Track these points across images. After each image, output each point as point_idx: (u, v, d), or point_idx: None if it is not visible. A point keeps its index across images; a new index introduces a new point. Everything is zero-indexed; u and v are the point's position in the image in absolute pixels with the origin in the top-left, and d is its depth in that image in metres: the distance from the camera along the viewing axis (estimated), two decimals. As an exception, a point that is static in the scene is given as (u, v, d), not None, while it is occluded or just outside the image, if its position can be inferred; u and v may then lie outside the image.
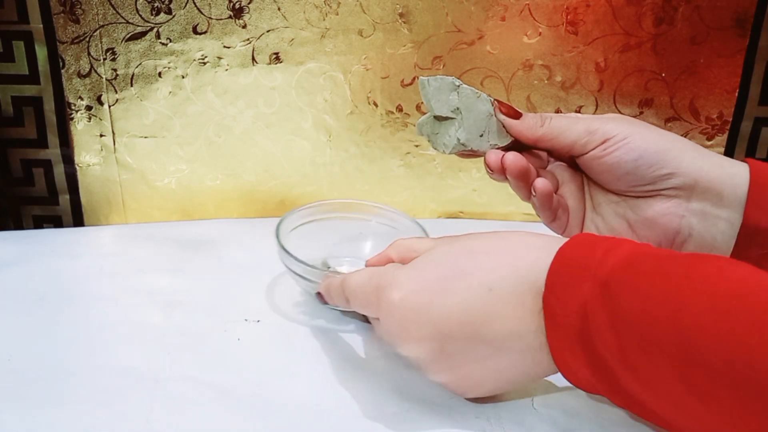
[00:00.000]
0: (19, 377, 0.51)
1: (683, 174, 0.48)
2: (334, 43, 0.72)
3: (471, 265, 0.43)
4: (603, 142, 0.48)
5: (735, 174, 0.48)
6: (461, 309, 0.43)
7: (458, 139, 0.51)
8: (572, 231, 0.53)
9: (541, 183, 0.50)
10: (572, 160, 0.53)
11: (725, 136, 0.75)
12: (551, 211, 0.52)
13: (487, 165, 0.51)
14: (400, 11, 0.71)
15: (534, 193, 0.51)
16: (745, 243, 0.48)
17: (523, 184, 0.51)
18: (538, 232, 0.45)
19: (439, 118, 0.53)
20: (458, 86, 0.51)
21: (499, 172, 0.51)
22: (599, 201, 0.53)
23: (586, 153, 0.49)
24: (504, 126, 0.51)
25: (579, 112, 0.75)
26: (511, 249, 0.43)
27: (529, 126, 0.50)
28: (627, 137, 0.48)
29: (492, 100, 0.52)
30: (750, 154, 0.76)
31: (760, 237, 0.47)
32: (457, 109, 0.51)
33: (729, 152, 0.76)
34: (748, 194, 0.47)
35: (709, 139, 0.75)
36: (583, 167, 0.52)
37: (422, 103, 0.75)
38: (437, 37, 0.72)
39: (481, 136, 0.51)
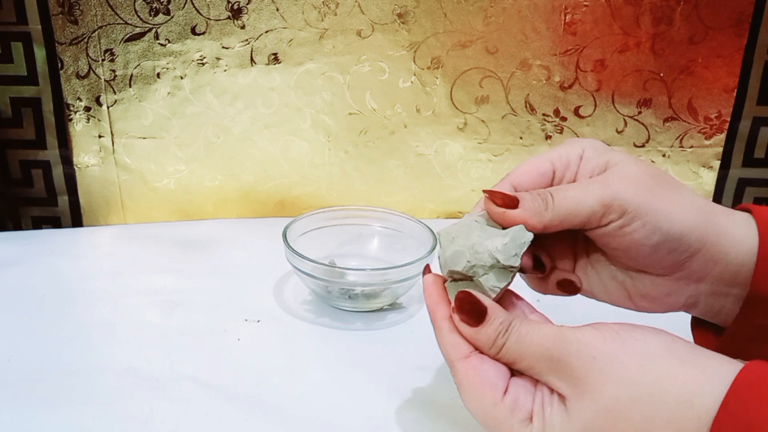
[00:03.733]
0: (19, 377, 0.51)
1: (703, 258, 0.42)
2: (333, 44, 0.72)
3: None
4: (621, 217, 0.40)
5: (752, 248, 0.41)
6: None
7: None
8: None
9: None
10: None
11: (723, 135, 0.75)
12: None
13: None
14: (398, 12, 0.71)
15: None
16: (750, 311, 0.42)
17: None
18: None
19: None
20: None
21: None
22: (598, 258, 0.45)
23: (600, 227, 0.41)
24: (502, 221, 0.42)
25: (577, 111, 0.75)
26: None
27: (532, 212, 0.41)
28: (648, 213, 0.40)
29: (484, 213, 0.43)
30: (748, 153, 0.76)
31: (765, 305, 0.41)
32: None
33: (727, 151, 0.76)
34: (756, 261, 0.41)
35: (707, 139, 0.76)
36: (591, 237, 0.43)
37: (421, 106, 0.75)
38: (436, 38, 0.72)
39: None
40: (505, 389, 0.39)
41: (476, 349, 0.40)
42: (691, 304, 0.44)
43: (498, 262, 0.41)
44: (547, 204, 0.41)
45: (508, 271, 0.41)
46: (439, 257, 0.43)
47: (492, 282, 0.41)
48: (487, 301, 0.40)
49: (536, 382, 0.39)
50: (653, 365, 0.35)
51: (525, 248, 0.41)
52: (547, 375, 0.38)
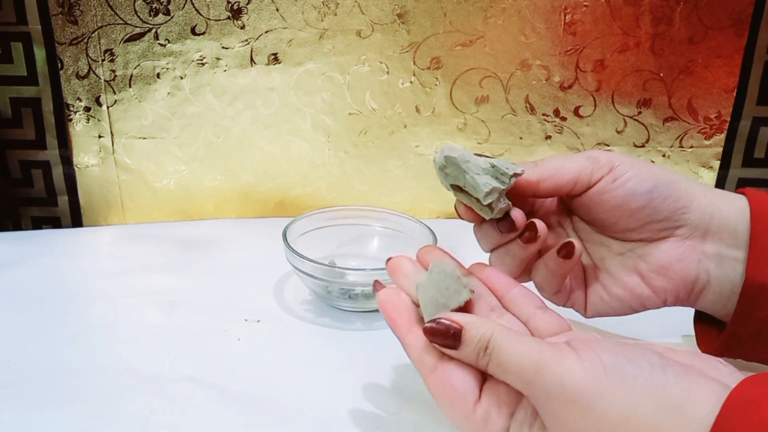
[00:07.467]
0: (19, 377, 0.51)
1: (697, 209, 0.43)
2: (333, 44, 0.72)
3: None
4: (610, 171, 0.43)
5: (745, 209, 0.43)
6: None
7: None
8: (576, 301, 0.48)
9: (540, 226, 0.44)
10: (568, 210, 0.47)
11: (723, 135, 0.75)
12: (561, 277, 0.46)
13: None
14: (398, 12, 0.71)
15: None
16: (748, 304, 0.43)
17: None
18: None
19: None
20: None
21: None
22: (601, 256, 0.47)
23: (594, 185, 0.44)
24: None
25: (577, 111, 0.75)
26: None
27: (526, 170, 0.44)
28: (633, 166, 0.43)
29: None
30: (748, 153, 0.76)
31: (762, 296, 0.42)
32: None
33: (727, 151, 0.76)
34: (749, 246, 0.42)
35: (707, 139, 0.76)
36: (585, 208, 0.45)
37: (421, 106, 0.75)
38: (435, 38, 0.72)
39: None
40: (478, 397, 0.38)
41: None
42: (705, 278, 0.44)
43: (492, 167, 0.42)
44: (536, 164, 0.44)
45: (503, 178, 0.43)
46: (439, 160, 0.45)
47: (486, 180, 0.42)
48: (462, 319, 0.39)
49: (521, 396, 0.38)
50: (637, 414, 0.33)
51: (513, 171, 0.43)
52: (530, 400, 0.37)
